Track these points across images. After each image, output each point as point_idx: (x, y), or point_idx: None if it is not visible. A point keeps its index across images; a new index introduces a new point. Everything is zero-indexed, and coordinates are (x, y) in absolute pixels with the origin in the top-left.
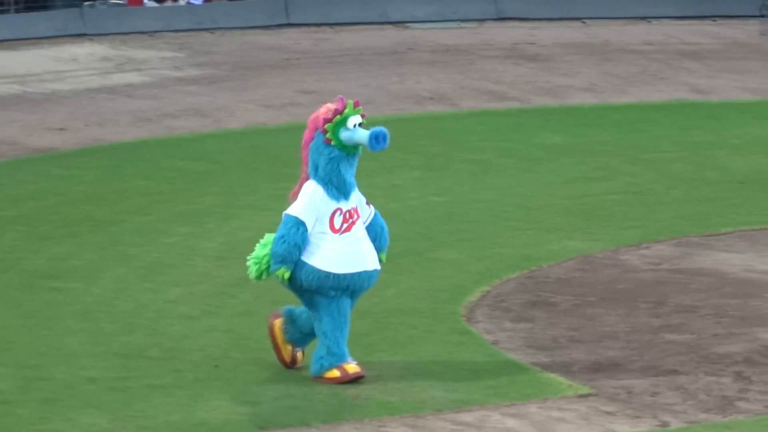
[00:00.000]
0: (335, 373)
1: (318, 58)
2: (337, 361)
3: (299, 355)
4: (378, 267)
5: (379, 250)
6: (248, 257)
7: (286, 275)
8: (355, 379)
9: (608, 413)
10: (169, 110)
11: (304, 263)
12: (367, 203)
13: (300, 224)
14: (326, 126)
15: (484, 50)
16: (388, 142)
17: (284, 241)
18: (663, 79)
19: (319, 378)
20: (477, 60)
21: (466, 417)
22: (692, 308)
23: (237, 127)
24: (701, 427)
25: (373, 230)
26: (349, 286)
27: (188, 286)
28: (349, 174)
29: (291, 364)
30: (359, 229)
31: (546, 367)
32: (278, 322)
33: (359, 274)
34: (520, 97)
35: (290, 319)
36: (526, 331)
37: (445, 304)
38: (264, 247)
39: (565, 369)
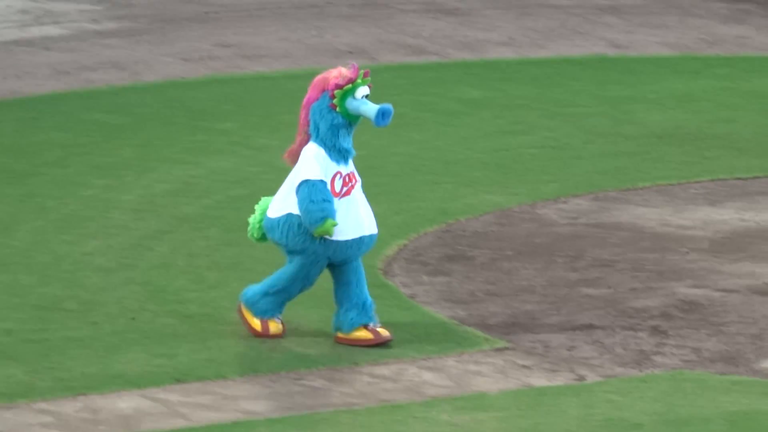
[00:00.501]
0: (257, 323)
1: (237, 12)
2: (270, 313)
3: (385, 332)
4: (375, 231)
5: None
6: (249, 219)
7: (333, 225)
8: (270, 337)
9: (525, 367)
10: (87, 63)
11: (288, 214)
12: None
13: (320, 182)
14: (335, 92)
15: (402, 4)
16: (391, 119)
17: (313, 201)
18: (581, 34)
19: (238, 311)
20: (395, 14)
21: (383, 370)
22: (609, 262)
23: (155, 80)
24: (617, 381)
25: None
26: (344, 252)
27: (105, 238)
28: (347, 141)
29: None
30: (358, 193)
31: (463, 321)
32: (241, 307)
33: (357, 240)
34: (439, 51)
35: (250, 299)
36: (443, 285)
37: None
38: (261, 211)
39: (482, 323)
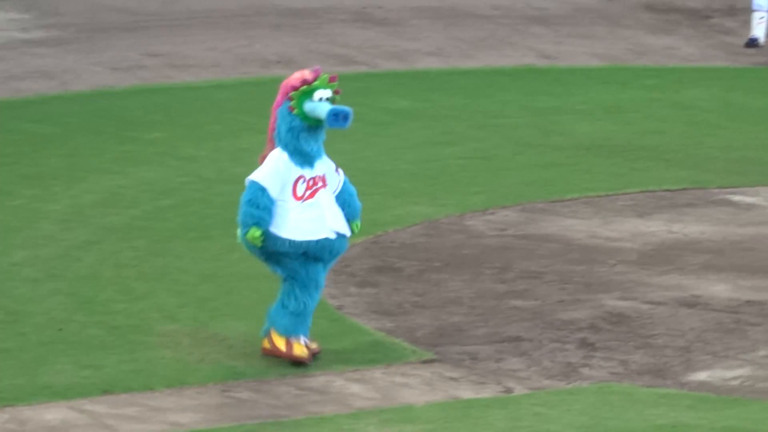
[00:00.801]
0: (282, 343)
1: (166, 21)
2: (293, 330)
3: (313, 344)
4: (345, 233)
5: (351, 217)
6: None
7: (257, 234)
8: (296, 363)
9: (452, 379)
10: (15, 72)
11: (268, 231)
12: (336, 170)
13: (263, 189)
14: (292, 94)
15: (331, 14)
16: (349, 121)
17: (252, 205)
18: (510, 44)
19: (265, 337)
20: (324, 24)
21: (311, 382)
22: (537, 274)
23: (83, 90)
24: (545, 393)
25: (341, 198)
26: (312, 253)
27: (33, 248)
28: (310, 145)
29: (310, 357)
30: (323, 196)
31: (390, 333)
32: (265, 340)
33: (320, 241)
34: (367, 61)
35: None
36: (371, 296)
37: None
38: None
39: (410, 334)
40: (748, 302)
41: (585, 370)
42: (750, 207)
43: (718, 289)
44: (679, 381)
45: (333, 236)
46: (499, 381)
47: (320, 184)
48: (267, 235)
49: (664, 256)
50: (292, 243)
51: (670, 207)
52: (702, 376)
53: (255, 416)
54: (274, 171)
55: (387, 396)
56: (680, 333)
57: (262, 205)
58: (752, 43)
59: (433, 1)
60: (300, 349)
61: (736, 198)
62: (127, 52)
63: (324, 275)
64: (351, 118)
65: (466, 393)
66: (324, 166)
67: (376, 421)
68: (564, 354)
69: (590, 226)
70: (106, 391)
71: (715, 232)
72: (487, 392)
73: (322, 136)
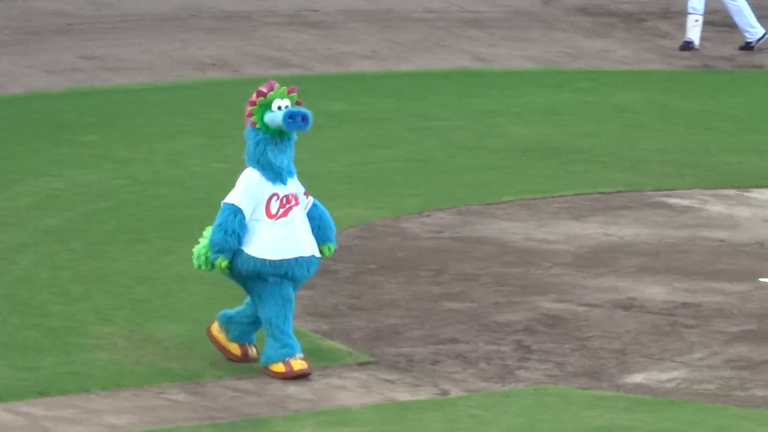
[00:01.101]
0: (280, 367)
1: (100, 24)
2: (284, 354)
3: (252, 349)
4: (317, 254)
5: (325, 240)
6: (193, 249)
7: (224, 264)
8: (299, 377)
9: (388, 381)
10: None
11: (241, 251)
12: (305, 194)
13: (237, 212)
14: (251, 109)
15: (266, 17)
16: (309, 122)
17: (222, 230)
18: (445, 47)
19: (265, 369)
20: (259, 27)
21: (246, 384)
22: (473, 276)
23: (18, 92)
24: (481, 395)
25: (312, 222)
26: (287, 273)
27: None
28: (279, 158)
29: (244, 358)
30: (297, 215)
31: (326, 335)
32: (214, 325)
33: (296, 260)
34: (303, 64)
35: (226, 320)
36: (307, 299)
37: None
38: (205, 239)
39: (346, 337)
40: (684, 304)
41: (521, 373)
42: (685, 209)
43: (654, 291)
44: (615, 383)
45: (308, 254)
46: (435, 383)
47: (293, 202)
48: (241, 257)
49: (599, 258)
50: (270, 263)
51: (606, 209)
52: (638, 378)
53: (191, 418)
54: (247, 191)
55: (323, 398)
56: (616, 335)
57: (230, 230)
58: (687, 46)
59: (368, 4)
60: (298, 364)
61: (672, 200)
62: (61, 55)
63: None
64: (310, 119)
65: (402, 395)
66: (296, 185)
67: (313, 423)
68: (500, 356)
69: (525, 228)
70: (42, 393)
71: (650, 234)
72: (423, 394)
73: (291, 149)
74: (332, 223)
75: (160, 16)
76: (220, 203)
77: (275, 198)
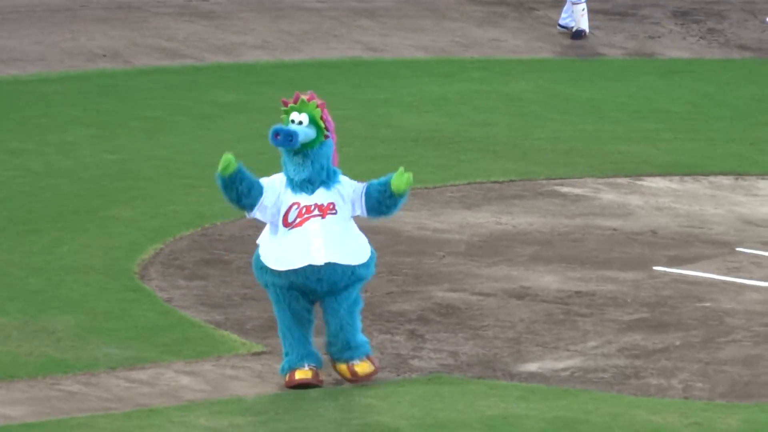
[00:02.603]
0: (286, 377)
1: None
2: (289, 365)
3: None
4: (335, 260)
5: (385, 184)
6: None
7: (229, 158)
8: (301, 386)
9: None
10: None
11: (258, 247)
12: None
13: (258, 181)
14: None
15: (157, 7)
16: (295, 140)
17: None
18: (336, 37)
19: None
20: (150, 17)
21: (140, 374)
22: None
23: None
24: (375, 385)
25: (369, 203)
26: (291, 283)
27: None
28: (296, 171)
29: (315, 377)
30: (313, 225)
31: (220, 325)
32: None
33: (303, 269)
34: (194, 54)
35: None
36: (200, 289)
37: (118, 262)
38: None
39: (239, 327)
40: (577, 293)
41: (415, 362)
42: (578, 198)
43: (547, 280)
44: (510, 372)
45: (318, 263)
46: (329, 372)
47: (316, 212)
48: (256, 254)
49: (492, 247)
50: (277, 274)
51: (498, 198)
52: (532, 367)
53: (85, 409)
54: (270, 182)
55: (217, 388)
56: (510, 324)
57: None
58: (579, 35)
59: None
60: (300, 374)
61: (564, 189)
62: None
63: (341, 300)
64: (296, 137)
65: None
66: (332, 195)
67: (207, 413)
68: (394, 345)
69: (418, 218)
70: None
71: (543, 223)
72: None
73: (318, 160)
74: (381, 181)
75: (51, 6)
76: (111, 194)
77: (295, 207)
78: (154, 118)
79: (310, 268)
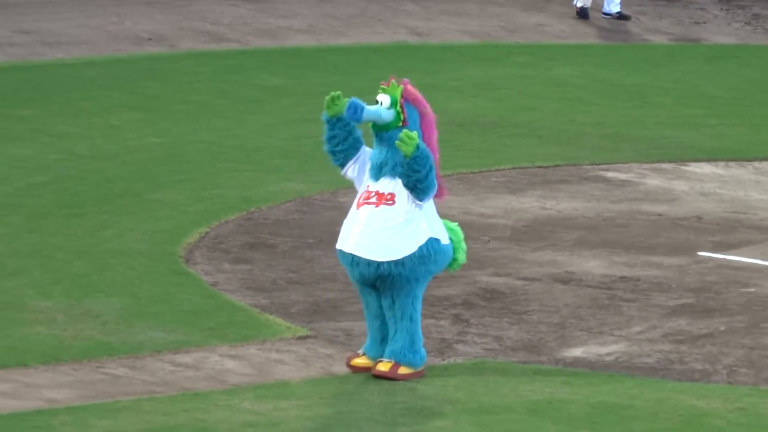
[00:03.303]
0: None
1: None
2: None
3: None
4: (358, 253)
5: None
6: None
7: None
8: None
9: (327, 355)
10: None
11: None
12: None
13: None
14: None
15: None
16: (359, 114)
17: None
18: (381, 21)
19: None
20: (195, 1)
21: (185, 358)
22: None
23: None
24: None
25: (403, 181)
26: (342, 262)
27: None
28: (372, 154)
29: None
30: (365, 212)
31: (265, 309)
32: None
33: (342, 252)
34: (239, 38)
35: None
36: (245, 273)
37: (163, 245)
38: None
39: (284, 311)
40: (622, 278)
41: (460, 347)
42: (623, 183)
43: (592, 265)
44: (554, 357)
45: (354, 252)
46: None
47: (374, 200)
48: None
49: (537, 232)
50: (338, 250)
51: (543, 183)
52: (577, 352)
53: (130, 392)
54: (367, 153)
55: (262, 372)
56: (555, 309)
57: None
58: (583, 12)
59: None
60: (356, 362)
61: (609, 174)
62: None
63: (387, 299)
64: (360, 111)
65: (342, 369)
66: (395, 185)
67: (252, 397)
68: (438, 330)
69: (463, 202)
70: None
71: (588, 208)
72: None
73: (384, 145)
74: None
75: None
76: (156, 178)
77: (365, 189)
78: (199, 102)
79: (342, 253)
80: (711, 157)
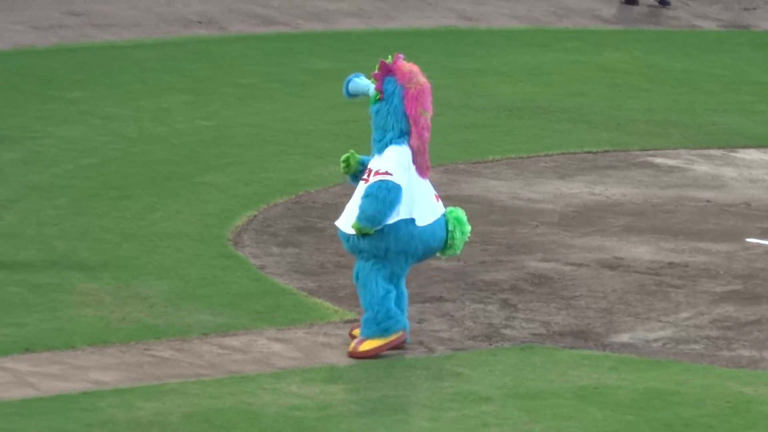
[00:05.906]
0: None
1: None
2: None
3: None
4: (343, 229)
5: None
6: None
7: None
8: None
9: None
10: None
11: None
12: (380, 173)
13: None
14: None
15: None
16: (345, 87)
17: None
18: (431, 5)
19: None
20: None
21: (233, 341)
22: None
23: (4, 49)
24: (467, 354)
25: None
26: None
27: None
28: (373, 128)
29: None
30: (360, 188)
31: (312, 293)
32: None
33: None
34: (288, 21)
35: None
36: (293, 256)
37: (212, 228)
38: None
39: (332, 294)
40: (670, 264)
41: (507, 331)
42: (671, 169)
43: (640, 251)
44: (602, 342)
45: (340, 227)
46: (421, 341)
47: (366, 176)
48: None
49: (585, 217)
50: None
51: (592, 169)
52: (624, 337)
53: (177, 375)
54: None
55: (309, 355)
56: (602, 294)
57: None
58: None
59: None
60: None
61: (658, 160)
62: (48, 11)
63: (357, 268)
64: (345, 83)
65: (389, 353)
66: (379, 162)
67: (299, 381)
68: (486, 315)
69: (512, 187)
70: (27, 350)
71: (636, 194)
72: (410, 353)
73: (376, 128)
74: (367, 202)
75: None
76: (205, 161)
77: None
78: (248, 85)
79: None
80: (760, 144)
